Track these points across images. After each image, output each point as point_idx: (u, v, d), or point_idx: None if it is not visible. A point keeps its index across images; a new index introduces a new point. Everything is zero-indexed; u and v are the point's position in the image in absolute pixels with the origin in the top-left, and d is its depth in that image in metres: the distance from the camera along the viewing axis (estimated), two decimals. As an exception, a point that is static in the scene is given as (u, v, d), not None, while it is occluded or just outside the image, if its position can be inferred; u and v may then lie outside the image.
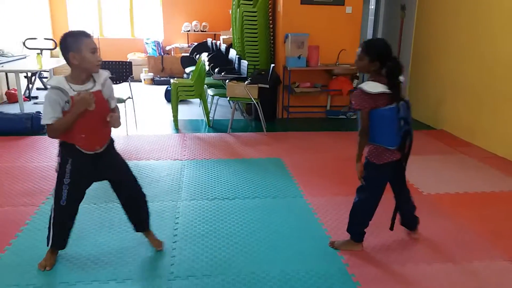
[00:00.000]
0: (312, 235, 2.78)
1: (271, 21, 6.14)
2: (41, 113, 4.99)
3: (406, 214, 2.70)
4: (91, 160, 2.25)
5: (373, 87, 2.30)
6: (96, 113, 2.17)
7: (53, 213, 2.29)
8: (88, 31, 2.20)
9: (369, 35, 7.49)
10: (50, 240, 2.33)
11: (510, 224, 3.01)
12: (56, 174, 2.27)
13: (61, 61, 7.04)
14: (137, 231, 2.57)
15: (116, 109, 2.38)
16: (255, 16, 5.82)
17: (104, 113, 2.23)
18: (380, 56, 2.33)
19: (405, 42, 6.47)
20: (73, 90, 2.12)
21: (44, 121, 2.10)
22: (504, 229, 2.93)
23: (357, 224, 2.57)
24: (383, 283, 2.29)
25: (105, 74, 2.29)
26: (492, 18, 4.62)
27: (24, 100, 6.50)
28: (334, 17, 5.90)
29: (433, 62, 5.69)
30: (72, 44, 2.10)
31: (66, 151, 2.22)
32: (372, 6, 7.35)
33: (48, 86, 2.12)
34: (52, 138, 2.18)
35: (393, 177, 2.54)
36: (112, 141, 2.39)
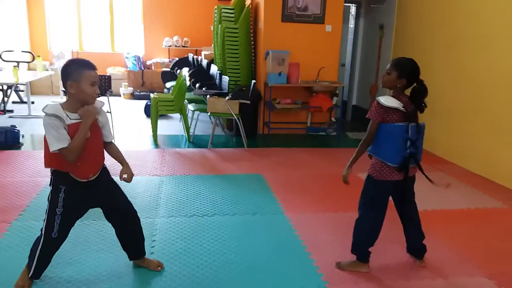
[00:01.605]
0: (292, 252, 2.75)
1: (252, 38, 6.19)
2: (17, 128, 4.89)
3: (412, 241, 2.67)
4: (85, 188, 2.18)
5: (388, 101, 2.36)
6: (90, 140, 2.12)
7: (41, 245, 2.17)
8: (91, 63, 2.12)
9: (348, 53, 7.62)
10: (32, 271, 2.20)
11: (487, 240, 3.05)
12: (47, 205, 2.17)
13: (38, 74, 6.93)
14: (132, 259, 2.48)
15: (124, 163, 2.42)
16: (237, 33, 5.86)
17: (99, 141, 2.23)
18: (409, 75, 2.41)
19: (384, 60, 6.61)
20: (69, 118, 2.06)
21: (56, 146, 2.00)
22: (480, 245, 2.97)
23: (361, 243, 2.52)
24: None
25: (99, 103, 2.24)
26: (468, 39, 4.77)
27: (-1, 113, 6.34)
28: (314, 35, 6.00)
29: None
30: (73, 73, 2.04)
31: (59, 179, 2.14)
32: (351, 25, 7.51)
33: (44, 113, 2.04)
34: (73, 161, 2.06)
35: (395, 198, 2.56)
36: (105, 168, 2.33)
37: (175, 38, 9.32)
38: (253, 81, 5.65)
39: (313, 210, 3.41)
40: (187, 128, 5.50)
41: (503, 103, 4.22)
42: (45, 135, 2.04)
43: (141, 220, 3.08)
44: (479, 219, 3.44)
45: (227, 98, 5.19)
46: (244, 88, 5.57)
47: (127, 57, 9.14)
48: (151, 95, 5.59)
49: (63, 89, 2.08)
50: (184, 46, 9.38)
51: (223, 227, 3.05)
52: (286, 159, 4.83)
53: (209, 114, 5.29)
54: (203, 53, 8.08)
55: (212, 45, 7.14)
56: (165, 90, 8.16)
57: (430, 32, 5.43)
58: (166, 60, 9.33)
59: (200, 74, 6.76)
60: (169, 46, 9.33)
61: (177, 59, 8.57)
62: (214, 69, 6.55)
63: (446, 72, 5.11)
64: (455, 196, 3.90)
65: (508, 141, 4.17)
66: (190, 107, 5.76)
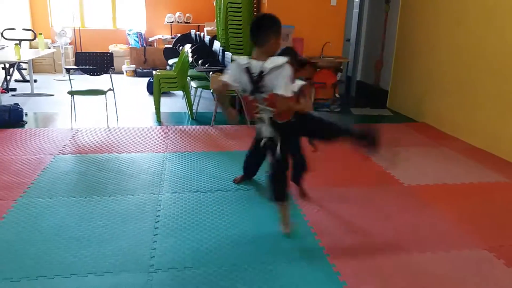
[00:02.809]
0: (294, 226, 2.78)
1: (255, 13, 6.09)
2: (20, 106, 4.90)
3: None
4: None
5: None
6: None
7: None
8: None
9: (354, 28, 7.50)
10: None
11: (488, 214, 3.06)
12: None
13: (40, 52, 6.89)
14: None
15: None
16: (240, 8, 5.76)
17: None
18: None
19: (389, 35, 6.51)
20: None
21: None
22: (482, 219, 2.98)
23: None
24: (363, 272, 2.30)
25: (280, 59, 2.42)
26: (474, 14, 4.66)
27: (2, 92, 6.35)
28: (319, 10, 5.89)
29: (416, 55, 5.74)
30: (281, 32, 2.43)
31: None
32: (356, -1, 7.36)
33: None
34: None
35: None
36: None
37: (178, 14, 9.19)
38: (256, 57, 5.59)
39: (316, 185, 3.41)
40: (190, 105, 5.49)
41: (508, 78, 4.16)
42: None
43: (145, 196, 3.14)
44: (482, 193, 3.44)
45: (229, 74, 5.14)
46: (247, 64, 5.51)
47: (129, 34, 9.05)
48: (154, 72, 5.56)
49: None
50: (187, 22, 9.26)
51: (226, 202, 3.07)
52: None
53: (212, 91, 5.26)
54: (205, 29, 7.98)
55: (215, 20, 7.04)
56: (168, 67, 8.10)
57: (436, 6, 5.31)
58: (168, 36, 9.22)
59: (202, 50, 6.69)
60: (171, 23, 9.22)
61: (179, 35, 8.47)
62: (217, 45, 6.47)
63: (451, 47, 5.02)
64: (458, 170, 3.89)
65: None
66: (193, 84, 5.72)
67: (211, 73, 5.30)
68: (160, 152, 4.11)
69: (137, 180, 3.43)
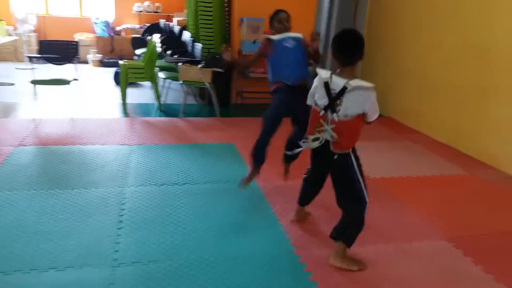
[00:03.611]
0: (261, 218, 2.79)
1: (226, 4, 6.03)
2: None
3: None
4: None
5: None
6: None
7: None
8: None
9: (324, 22, 7.54)
10: None
11: (449, 206, 3.17)
12: None
13: (1, 39, 6.58)
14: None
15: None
16: (210, -2, 5.69)
17: None
18: None
19: (358, 29, 6.58)
20: None
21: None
22: (443, 210, 3.08)
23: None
24: (329, 264, 2.34)
25: None
26: (439, 9, 4.78)
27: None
28: (289, 2, 5.84)
29: (383, 49, 5.84)
30: None
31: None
32: (326, -8, 7.39)
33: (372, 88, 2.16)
34: None
35: None
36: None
37: (146, 3, 9.00)
38: (226, 49, 5.54)
39: (282, 177, 3.43)
40: (158, 97, 5.39)
41: (470, 75, 4.30)
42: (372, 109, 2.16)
43: (109, 189, 3.07)
44: (442, 186, 3.56)
45: (199, 66, 5.09)
46: (217, 56, 5.46)
47: (95, 23, 8.78)
48: (121, 62, 5.42)
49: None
50: (156, 12, 9.08)
51: (194, 196, 3.05)
52: (259, 129, 4.80)
53: (180, 82, 5.19)
54: (175, 19, 7.85)
55: (185, 11, 6.93)
56: (136, 57, 7.92)
57: (402, 2, 5.41)
58: (137, 26, 9.03)
59: (171, 41, 6.58)
60: (140, 12, 9.02)
61: (148, 25, 8.31)
62: (186, 36, 6.38)
63: (418, 42, 5.14)
64: (422, 164, 4.00)
65: (472, 112, 4.28)
66: (161, 75, 5.62)
67: (180, 64, 5.22)
68: (126, 144, 4.03)
69: (102, 172, 3.35)
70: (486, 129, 4.12)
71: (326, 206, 2.84)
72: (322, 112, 2.18)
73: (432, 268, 2.37)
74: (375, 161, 3.94)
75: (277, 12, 3.17)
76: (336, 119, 2.13)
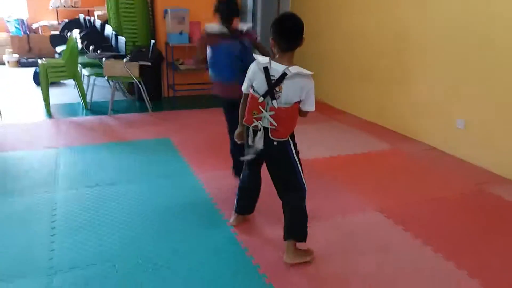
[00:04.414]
0: (202, 210, 2.79)
1: (148, -4, 5.86)
2: None
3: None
4: None
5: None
6: None
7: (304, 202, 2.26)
8: None
9: (249, 9, 7.59)
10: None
11: (378, 179, 3.38)
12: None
13: None
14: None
15: None
16: (130, -10, 5.50)
17: None
18: None
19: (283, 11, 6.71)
20: None
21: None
22: (372, 184, 3.28)
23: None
24: (269, 247, 2.40)
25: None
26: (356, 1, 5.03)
27: None
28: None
29: (308, 37, 5.99)
30: None
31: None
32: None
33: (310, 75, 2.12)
34: None
35: None
36: None
37: (63, -3, 8.49)
38: (153, 41, 5.40)
39: (222, 168, 3.44)
40: (83, 95, 5.14)
41: (392, 60, 4.57)
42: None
43: (38, 195, 2.90)
44: (371, 161, 3.78)
45: (125, 60, 4.92)
46: (143, 49, 5.31)
47: (8, 21, 8.14)
48: (39, 61, 5.09)
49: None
50: (74, 7, 8.60)
51: (130, 194, 2.97)
52: (194, 121, 4.78)
53: (106, 78, 4.99)
54: (96, 13, 7.49)
55: (106, 4, 6.64)
56: (56, 55, 7.48)
57: (324, -13, 5.61)
58: (55, 22, 8.50)
59: (93, 36, 6.29)
60: (57, 7, 8.49)
61: (67, 21, 7.85)
62: (109, 30, 6.13)
63: (339, 30, 5.36)
64: (350, 142, 4.21)
65: (393, 91, 4.57)
66: (85, 71, 5.37)
67: (104, 59, 5.01)
68: (52, 147, 3.81)
69: (28, 179, 3.15)
70: (407, 107, 4.42)
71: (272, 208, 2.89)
72: (261, 99, 2.11)
73: (368, 239, 2.52)
74: (305, 143, 4.07)
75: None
76: (276, 106, 2.07)
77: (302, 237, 2.26)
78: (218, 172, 3.37)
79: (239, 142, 2.45)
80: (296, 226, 2.26)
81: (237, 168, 2.99)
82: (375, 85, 4.86)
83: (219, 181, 3.21)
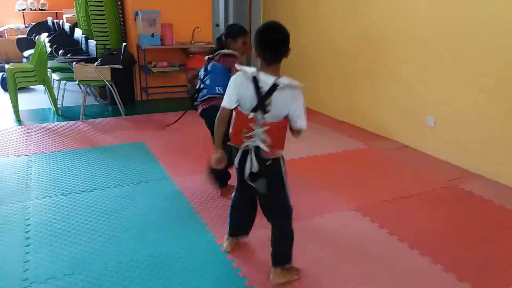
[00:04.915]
0: (179, 213, 2.77)
1: (118, -2, 5.77)
2: None
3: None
4: None
5: None
6: None
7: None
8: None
9: (221, 13, 7.59)
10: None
11: (353, 178, 3.44)
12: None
13: None
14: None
15: None
16: (100, -8, 5.40)
17: None
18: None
19: (255, 19, 6.74)
20: None
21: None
22: (348, 183, 3.34)
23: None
24: (247, 248, 2.41)
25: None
26: (322, 5, 5.10)
27: None
28: (185, -7, 5.82)
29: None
30: None
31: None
32: (221, -17, 7.45)
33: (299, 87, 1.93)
34: None
35: None
36: None
37: (30, 0, 8.25)
38: (124, 44, 5.32)
39: (198, 171, 3.43)
40: (54, 100, 5.02)
41: (360, 62, 4.67)
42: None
43: (9, 205, 2.82)
44: (346, 160, 3.85)
45: (96, 63, 4.83)
46: (114, 52, 5.22)
47: (-30, 24, 7.86)
48: (6, 66, 4.94)
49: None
50: (42, 9, 8.38)
51: (106, 201, 2.92)
52: (169, 125, 4.74)
53: (77, 82, 4.88)
54: (64, 16, 7.32)
55: (75, 7, 6.49)
56: (24, 60, 7.27)
57: (295, -11, 5.67)
58: (22, 26, 8.26)
59: (62, 39, 6.15)
60: (23, 10, 8.25)
61: (34, 24, 7.64)
62: (78, 33, 6.00)
63: (309, 33, 5.44)
64: (324, 142, 4.27)
65: (363, 91, 4.67)
66: (55, 76, 5.24)
67: (74, 63, 4.90)
68: (23, 155, 3.71)
69: (-2, 189, 3.06)
70: (376, 106, 4.53)
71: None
72: (251, 115, 1.89)
73: (345, 238, 2.56)
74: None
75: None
76: (268, 120, 1.89)
77: (289, 260, 2.17)
78: (194, 176, 3.36)
79: (219, 168, 2.17)
80: (285, 253, 2.15)
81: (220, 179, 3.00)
82: (344, 86, 4.97)
83: (196, 185, 3.20)
